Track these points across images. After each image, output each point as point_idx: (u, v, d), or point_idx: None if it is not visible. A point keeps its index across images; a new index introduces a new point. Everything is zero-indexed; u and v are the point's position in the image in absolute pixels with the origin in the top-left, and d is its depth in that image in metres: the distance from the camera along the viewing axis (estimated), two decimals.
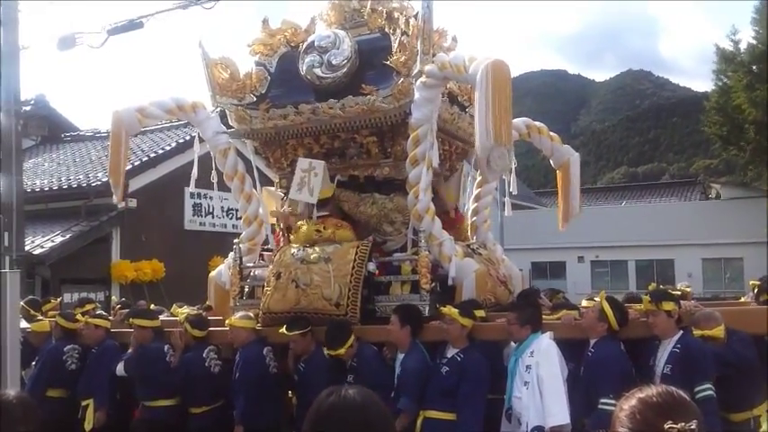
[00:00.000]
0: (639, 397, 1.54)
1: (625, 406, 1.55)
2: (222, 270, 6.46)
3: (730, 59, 23.97)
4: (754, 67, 22.75)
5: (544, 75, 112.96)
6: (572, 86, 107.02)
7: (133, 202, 13.68)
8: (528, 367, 4.52)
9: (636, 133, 71.87)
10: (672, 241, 25.30)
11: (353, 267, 5.27)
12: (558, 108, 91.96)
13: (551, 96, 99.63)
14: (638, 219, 26.88)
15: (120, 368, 5.83)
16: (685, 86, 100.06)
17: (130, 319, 6.02)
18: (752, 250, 23.58)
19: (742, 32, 24.82)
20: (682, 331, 4.42)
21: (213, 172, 6.53)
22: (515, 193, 7.22)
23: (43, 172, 15.92)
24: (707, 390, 4.03)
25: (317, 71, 5.90)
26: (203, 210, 15.64)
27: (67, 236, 13.09)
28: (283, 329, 5.21)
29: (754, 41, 23.09)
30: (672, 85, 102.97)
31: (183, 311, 6.05)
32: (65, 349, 6.24)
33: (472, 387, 4.63)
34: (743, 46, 23.79)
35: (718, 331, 4.37)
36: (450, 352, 4.84)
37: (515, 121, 6.67)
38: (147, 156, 14.91)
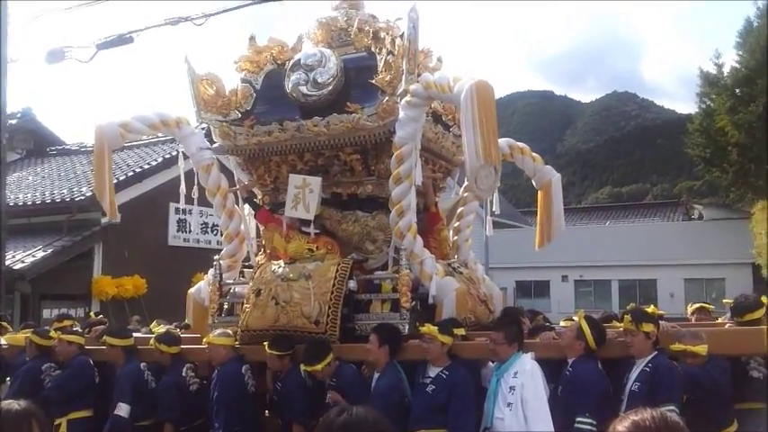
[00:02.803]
0: (633, 420, 1.53)
1: (619, 428, 1.54)
2: (201, 287, 6.42)
3: (714, 82, 24.29)
4: (737, 91, 23.06)
5: (531, 95, 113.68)
6: (558, 107, 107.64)
7: (117, 218, 13.52)
8: (512, 388, 4.47)
9: (620, 154, 72.33)
10: (655, 261, 25.50)
11: (334, 285, 5.24)
12: (544, 128, 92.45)
13: (537, 117, 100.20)
14: (622, 239, 27.08)
15: (125, 410, 5.57)
16: (669, 108, 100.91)
17: (104, 338, 5.94)
18: (734, 271, 23.84)
19: (725, 56, 25.22)
20: (656, 352, 4.44)
21: (195, 187, 6.51)
22: (498, 212, 7.24)
23: (27, 186, 15.71)
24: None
25: (303, 89, 5.90)
26: (188, 226, 15.43)
27: (49, 251, 12.89)
28: (266, 345, 5.17)
29: (738, 65, 23.46)
30: (656, 107, 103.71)
31: (161, 329, 6.00)
32: (42, 368, 6.11)
33: (462, 402, 4.60)
34: (726, 69, 24.17)
35: (701, 349, 4.40)
36: (434, 371, 4.78)
37: (498, 141, 6.72)
38: (133, 171, 14.78)
